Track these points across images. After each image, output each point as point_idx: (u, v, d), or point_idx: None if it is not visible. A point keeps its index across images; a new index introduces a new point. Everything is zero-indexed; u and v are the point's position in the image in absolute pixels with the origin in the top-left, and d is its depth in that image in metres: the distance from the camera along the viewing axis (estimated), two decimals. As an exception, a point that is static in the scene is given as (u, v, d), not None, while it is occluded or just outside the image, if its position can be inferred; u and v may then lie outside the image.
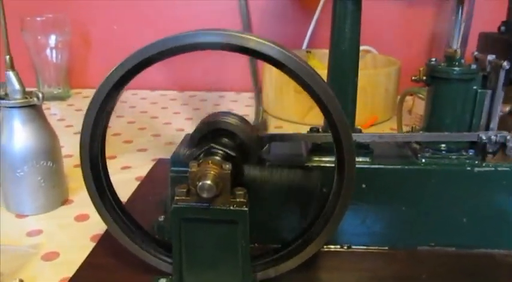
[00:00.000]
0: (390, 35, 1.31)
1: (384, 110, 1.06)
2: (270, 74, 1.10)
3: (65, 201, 0.69)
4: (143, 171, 0.78)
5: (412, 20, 1.31)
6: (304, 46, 1.28)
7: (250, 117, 1.20)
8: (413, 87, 0.67)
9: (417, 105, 0.74)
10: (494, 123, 0.53)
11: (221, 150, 0.43)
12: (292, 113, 1.06)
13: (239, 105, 1.22)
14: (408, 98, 0.91)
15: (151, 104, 1.23)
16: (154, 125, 1.05)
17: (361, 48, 1.17)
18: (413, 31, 1.32)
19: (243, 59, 0.45)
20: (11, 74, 0.61)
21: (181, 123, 1.06)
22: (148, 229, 0.54)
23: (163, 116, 1.13)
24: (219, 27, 0.40)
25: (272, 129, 1.04)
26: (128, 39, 1.26)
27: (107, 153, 0.88)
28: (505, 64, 0.50)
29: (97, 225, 0.59)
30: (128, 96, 1.28)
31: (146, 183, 0.73)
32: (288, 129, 1.03)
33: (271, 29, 1.34)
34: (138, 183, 0.74)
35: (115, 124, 1.05)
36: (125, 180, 0.75)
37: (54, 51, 1.22)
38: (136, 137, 0.97)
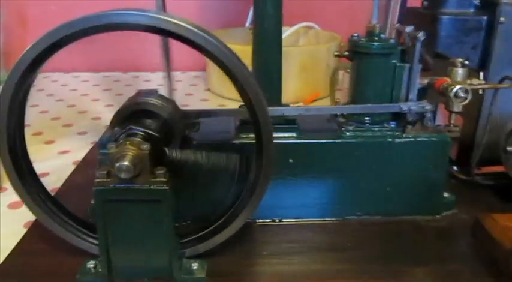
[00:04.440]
0: (333, 11, 1.32)
1: (325, 85, 1.07)
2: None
3: (-2, 189, 0.67)
4: (81, 155, 0.77)
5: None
6: (247, 24, 1.28)
7: (195, 96, 1.19)
8: (344, 62, 0.68)
9: (346, 80, 0.75)
10: (413, 95, 0.55)
11: (141, 130, 0.43)
12: (235, 91, 1.06)
13: (184, 84, 1.21)
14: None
15: (93, 86, 1.20)
16: (95, 108, 1.03)
17: (304, 24, 1.20)
18: (355, 6, 1.33)
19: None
20: None
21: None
22: (83, 213, 0.54)
23: (105, 98, 1.11)
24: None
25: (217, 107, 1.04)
26: (66, 19, 1.22)
27: (46, 138, 0.86)
28: (420, 35, 0.52)
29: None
30: (69, 79, 1.24)
31: (82, 167, 0.72)
32: (231, 106, 1.03)
33: (214, 7, 1.33)
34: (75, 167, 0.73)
35: (54, 108, 1.03)
36: (62, 165, 0.74)
37: (-13, 33, 1.17)
38: (77, 121, 0.95)
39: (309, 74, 1.03)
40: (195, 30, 0.39)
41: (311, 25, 1.22)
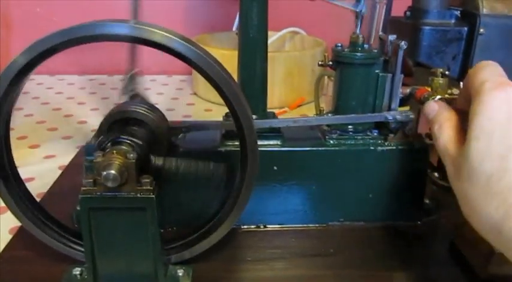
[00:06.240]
0: (318, 15, 1.33)
1: (310, 90, 1.08)
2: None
3: (-18, 194, 0.67)
4: (67, 160, 0.77)
5: None
6: (234, 27, 1.28)
7: (180, 101, 1.19)
8: (328, 70, 0.69)
9: (330, 88, 0.76)
10: (395, 104, 0.56)
11: (127, 139, 0.43)
12: (222, 96, 1.07)
13: (170, 88, 1.22)
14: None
15: (79, 89, 1.20)
16: (81, 111, 1.03)
17: (289, 29, 1.21)
18: (341, 10, 1.35)
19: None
20: None
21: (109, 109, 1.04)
22: (68, 219, 0.55)
23: (91, 101, 1.11)
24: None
25: (202, 113, 1.04)
26: (52, 22, 1.22)
27: (30, 142, 0.86)
28: (403, 44, 0.53)
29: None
30: (54, 82, 1.24)
31: (68, 172, 0.72)
32: (218, 111, 1.04)
33: (200, 11, 1.33)
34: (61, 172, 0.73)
35: (39, 111, 1.02)
36: (47, 170, 0.74)
37: (-29, 35, 1.16)
38: (62, 124, 0.95)
39: (295, 80, 1.04)
40: (177, 39, 0.40)
41: (297, 30, 1.24)
